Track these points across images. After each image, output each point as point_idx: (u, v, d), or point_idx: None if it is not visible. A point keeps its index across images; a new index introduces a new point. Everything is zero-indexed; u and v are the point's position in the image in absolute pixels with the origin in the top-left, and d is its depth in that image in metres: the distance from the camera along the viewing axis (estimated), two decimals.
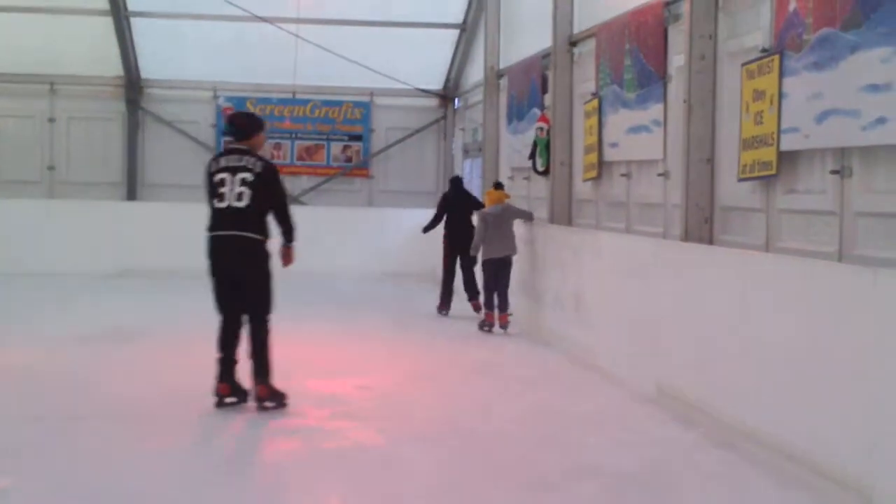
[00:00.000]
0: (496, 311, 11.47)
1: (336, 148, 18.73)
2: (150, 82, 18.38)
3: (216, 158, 7.66)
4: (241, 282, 7.51)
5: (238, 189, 7.36)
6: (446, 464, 6.23)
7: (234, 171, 7.41)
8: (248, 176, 7.38)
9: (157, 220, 17.08)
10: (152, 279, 15.87)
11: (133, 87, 18.18)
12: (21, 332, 10.90)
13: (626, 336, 8.65)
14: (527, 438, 6.90)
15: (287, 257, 7.78)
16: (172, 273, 15.93)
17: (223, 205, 7.40)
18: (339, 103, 18.72)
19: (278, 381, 7.57)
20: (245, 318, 7.56)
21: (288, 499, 5.54)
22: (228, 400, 7.51)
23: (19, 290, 14.50)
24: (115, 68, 17.92)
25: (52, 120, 18.21)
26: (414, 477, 5.94)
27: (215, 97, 18.51)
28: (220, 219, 7.44)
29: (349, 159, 18.79)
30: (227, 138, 8.00)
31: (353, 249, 17.25)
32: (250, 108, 18.29)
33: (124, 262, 16.82)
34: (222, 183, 7.40)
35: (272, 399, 7.47)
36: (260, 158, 7.56)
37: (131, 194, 18.20)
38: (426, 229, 13.63)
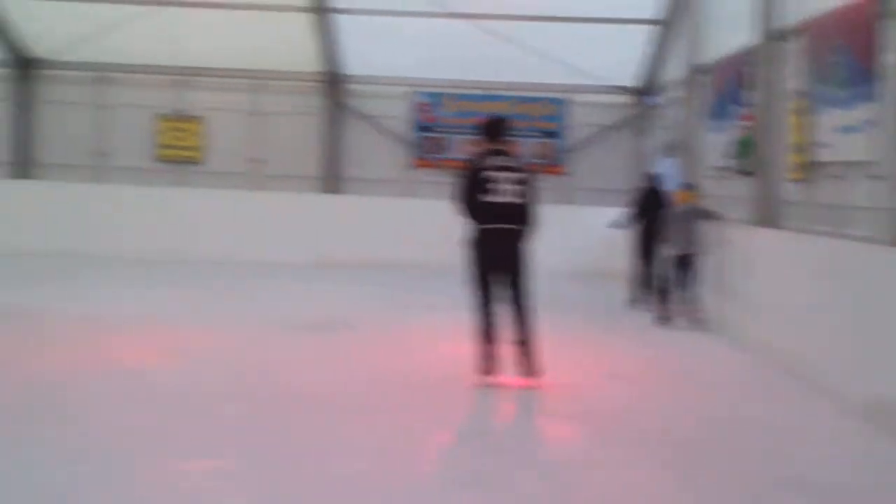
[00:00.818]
0: (675, 306, 11.74)
1: (532, 144, 18.73)
2: (350, 78, 18.85)
3: (482, 156, 8.27)
4: (512, 271, 8.19)
5: (512, 186, 8.12)
6: (649, 470, 6.11)
7: (505, 169, 8.15)
8: (522, 175, 8.21)
9: (357, 213, 17.56)
10: (351, 270, 16.28)
11: (334, 82, 18.68)
12: (226, 318, 11.32)
13: (835, 345, 8.29)
14: (731, 447, 6.71)
15: None
16: (369, 265, 16.38)
17: (496, 200, 8.09)
18: (535, 100, 18.73)
19: (471, 376, 8.17)
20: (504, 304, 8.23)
21: (492, 495, 5.55)
22: (492, 380, 8.11)
23: (225, 278, 15.14)
24: (315, 64, 18.45)
25: (255, 114, 18.91)
26: (615, 481, 5.86)
27: (412, 93, 18.80)
28: (495, 213, 8.12)
29: (544, 156, 18.76)
30: (479, 139, 8.49)
31: (547, 246, 17.16)
32: (447, 105, 18.58)
33: (324, 253, 17.33)
34: (492, 180, 8.10)
35: (539, 376, 8.16)
36: (522, 161, 8.42)
37: (331, 187, 18.72)
38: (621, 226, 13.72)
